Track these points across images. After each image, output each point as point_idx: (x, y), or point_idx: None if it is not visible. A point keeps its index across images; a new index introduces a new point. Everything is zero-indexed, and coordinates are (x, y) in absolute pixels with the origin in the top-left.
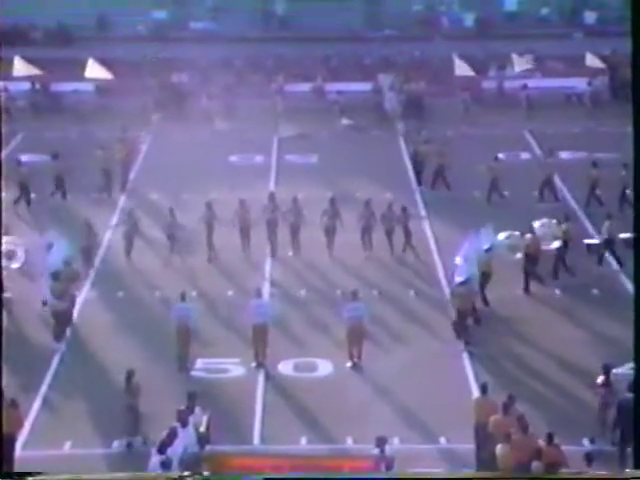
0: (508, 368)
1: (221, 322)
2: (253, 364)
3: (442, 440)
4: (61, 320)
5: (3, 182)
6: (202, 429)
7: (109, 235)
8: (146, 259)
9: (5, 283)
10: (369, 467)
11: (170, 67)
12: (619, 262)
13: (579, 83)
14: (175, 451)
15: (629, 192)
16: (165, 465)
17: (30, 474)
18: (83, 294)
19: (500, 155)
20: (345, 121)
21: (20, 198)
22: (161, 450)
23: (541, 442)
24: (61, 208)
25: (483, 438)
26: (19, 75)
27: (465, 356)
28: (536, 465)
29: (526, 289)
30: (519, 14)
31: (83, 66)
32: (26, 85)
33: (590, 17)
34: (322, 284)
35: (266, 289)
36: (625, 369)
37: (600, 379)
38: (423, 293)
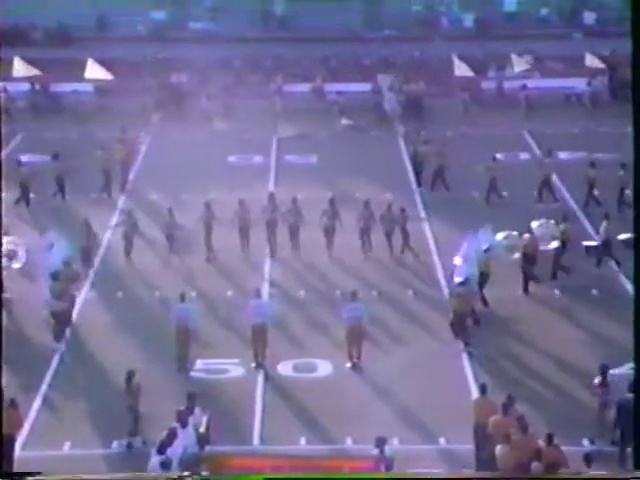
0: (507, 368)
1: (220, 322)
2: (252, 364)
3: (441, 440)
4: (61, 320)
5: (3, 182)
6: (202, 429)
7: (109, 235)
8: (146, 259)
9: (5, 283)
10: (369, 467)
11: (169, 67)
12: (617, 263)
13: (578, 83)
14: (175, 451)
15: (628, 192)
16: (165, 465)
17: (30, 474)
18: (83, 294)
19: (498, 155)
20: (344, 121)
21: (21, 198)
22: (161, 450)
23: (541, 442)
24: (61, 208)
25: (482, 438)
26: (19, 75)
27: (464, 356)
28: (536, 465)
29: (525, 289)
30: (518, 14)
31: (83, 66)
32: (26, 85)
33: (589, 17)
34: (321, 284)
35: (265, 289)
36: (623, 369)
37: (597, 379)
38: (422, 293)
